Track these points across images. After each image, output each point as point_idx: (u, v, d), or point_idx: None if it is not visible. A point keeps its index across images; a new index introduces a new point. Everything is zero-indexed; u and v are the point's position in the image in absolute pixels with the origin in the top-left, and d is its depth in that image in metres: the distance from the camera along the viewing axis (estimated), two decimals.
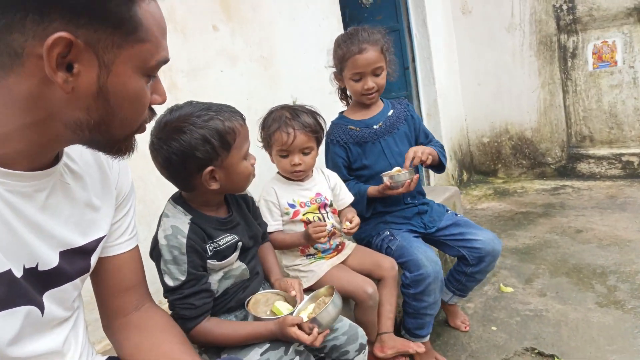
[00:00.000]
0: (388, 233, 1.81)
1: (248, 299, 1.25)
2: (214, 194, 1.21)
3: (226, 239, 1.21)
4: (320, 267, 1.63)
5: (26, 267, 0.71)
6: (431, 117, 3.94)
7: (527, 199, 3.67)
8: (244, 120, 1.19)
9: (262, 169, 1.70)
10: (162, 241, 1.14)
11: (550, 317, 2.00)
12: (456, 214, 1.93)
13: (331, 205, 1.69)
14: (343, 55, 1.73)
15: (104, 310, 0.95)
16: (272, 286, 1.38)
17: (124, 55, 0.65)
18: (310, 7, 2.64)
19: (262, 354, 1.12)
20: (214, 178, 1.15)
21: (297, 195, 1.63)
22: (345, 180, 1.80)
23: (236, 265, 1.25)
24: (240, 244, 1.24)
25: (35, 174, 0.70)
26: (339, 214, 1.73)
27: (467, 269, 1.80)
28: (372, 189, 1.78)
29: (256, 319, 1.19)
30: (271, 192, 1.61)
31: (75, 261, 0.80)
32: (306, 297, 1.30)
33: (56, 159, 0.75)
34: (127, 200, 0.95)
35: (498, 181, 4.32)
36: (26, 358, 0.73)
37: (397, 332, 1.75)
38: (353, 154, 1.85)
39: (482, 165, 4.49)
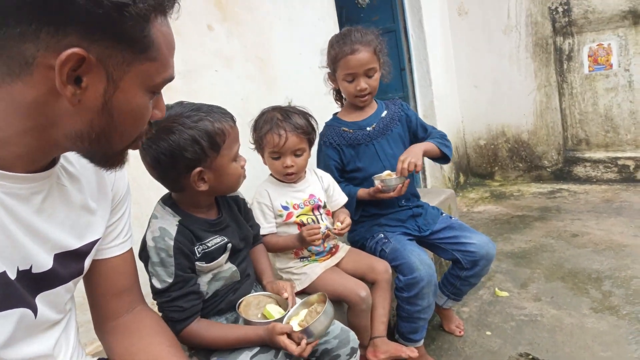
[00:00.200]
0: (382, 236, 1.79)
1: (240, 301, 1.24)
2: (203, 195, 1.19)
3: (215, 241, 1.20)
4: (313, 270, 1.62)
5: (20, 269, 0.70)
6: (427, 119, 3.93)
7: (524, 202, 3.66)
8: (234, 121, 1.18)
9: (255, 171, 1.68)
10: (149, 243, 1.13)
11: (545, 322, 1.99)
12: (450, 217, 1.91)
13: (325, 206, 1.67)
14: (336, 55, 1.72)
15: (96, 312, 0.95)
16: (264, 288, 1.36)
17: (132, 72, 0.66)
18: (306, 8, 2.62)
19: (252, 357, 1.11)
20: (202, 179, 1.14)
21: (290, 197, 1.61)
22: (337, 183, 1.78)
23: (226, 267, 1.23)
24: (229, 245, 1.23)
25: (32, 176, 0.70)
26: (333, 215, 1.72)
27: (462, 272, 1.79)
28: (362, 192, 1.77)
29: (246, 322, 1.17)
30: (264, 195, 1.60)
31: (69, 264, 0.80)
32: (298, 302, 1.28)
33: (53, 161, 0.75)
34: (122, 203, 0.94)
35: (495, 184, 4.32)
36: None
37: (391, 336, 1.74)
38: (346, 156, 1.83)
39: (478, 167, 4.48)
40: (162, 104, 0.78)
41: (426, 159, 1.91)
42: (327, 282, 1.59)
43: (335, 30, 2.81)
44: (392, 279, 1.69)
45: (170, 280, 1.10)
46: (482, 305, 2.21)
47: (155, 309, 1.10)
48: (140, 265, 1.05)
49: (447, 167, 4.11)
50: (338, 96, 1.95)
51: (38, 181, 0.71)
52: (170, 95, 1.78)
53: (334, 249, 1.71)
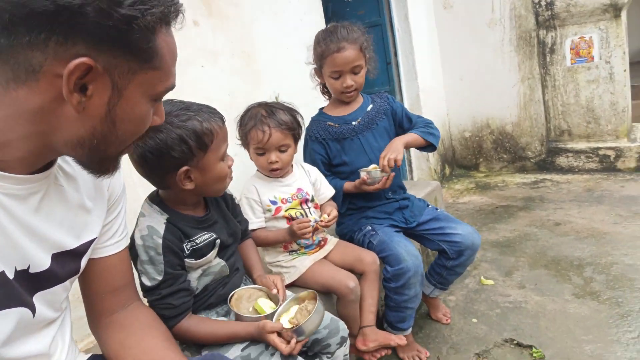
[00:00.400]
0: (370, 228, 1.82)
1: (231, 294, 1.25)
2: (190, 193, 1.19)
3: (203, 237, 1.21)
4: (302, 263, 1.64)
5: (18, 269, 0.71)
6: (413, 112, 3.94)
7: (508, 193, 3.73)
8: (223, 121, 1.18)
9: (244, 167, 1.70)
10: (138, 241, 1.13)
11: (529, 308, 2.04)
12: (436, 209, 1.95)
13: (312, 200, 1.69)
14: (322, 53, 1.73)
15: (90, 309, 0.95)
16: (254, 282, 1.38)
17: (136, 80, 0.67)
18: (292, 2, 2.63)
19: (243, 349, 1.13)
20: (189, 178, 1.14)
21: (278, 192, 1.63)
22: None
23: (215, 263, 1.25)
24: (218, 241, 1.24)
25: (30, 177, 0.71)
26: (321, 208, 1.74)
27: (448, 262, 1.83)
28: (348, 185, 1.79)
29: (237, 316, 1.19)
30: (252, 190, 1.61)
31: (66, 263, 0.80)
32: (289, 298, 1.30)
33: (51, 162, 0.76)
34: (118, 202, 0.95)
35: (479, 175, 4.38)
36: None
37: (380, 325, 1.77)
38: (332, 151, 1.85)
39: (464, 159, 4.54)
40: (162, 110, 0.80)
41: (413, 150, 1.93)
42: (316, 274, 1.61)
43: (321, 24, 2.81)
44: (380, 269, 1.72)
45: (159, 278, 1.11)
46: (468, 293, 2.26)
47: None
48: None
49: (432, 159, 4.16)
50: (325, 89, 1.96)
51: (36, 182, 0.72)
52: None
53: (322, 242, 1.73)
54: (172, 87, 0.75)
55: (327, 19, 2.95)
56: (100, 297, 0.94)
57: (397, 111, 1.92)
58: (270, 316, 1.19)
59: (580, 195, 3.36)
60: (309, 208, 1.67)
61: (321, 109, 1.95)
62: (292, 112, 1.58)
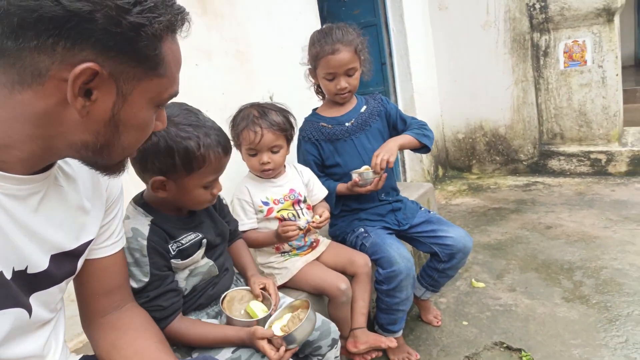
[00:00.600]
0: (362, 230, 1.82)
1: (223, 296, 1.24)
2: (165, 199, 1.18)
3: (189, 238, 1.20)
4: (294, 264, 1.64)
5: (15, 269, 0.71)
6: (407, 114, 3.90)
7: (500, 195, 3.75)
8: (226, 152, 1.14)
9: (237, 166, 1.68)
10: None
11: (519, 312, 2.05)
12: (429, 211, 1.95)
13: (305, 201, 1.69)
14: (317, 54, 1.72)
15: (84, 309, 0.95)
16: (247, 282, 1.37)
17: (141, 87, 0.68)
18: (287, 1, 2.61)
19: (233, 352, 1.13)
20: (163, 187, 1.13)
21: (270, 193, 1.62)
22: None
23: (203, 263, 1.23)
24: (205, 241, 1.22)
25: (30, 178, 0.71)
26: (313, 209, 1.73)
27: (439, 265, 1.83)
28: (341, 186, 1.79)
29: (229, 319, 1.18)
30: (244, 191, 1.60)
31: (63, 264, 0.80)
32: (282, 306, 1.30)
33: (51, 162, 0.76)
34: (116, 204, 0.95)
35: (472, 177, 4.40)
36: None
37: (371, 327, 1.77)
38: (325, 152, 1.85)
39: (457, 161, 4.56)
40: (164, 116, 0.81)
41: (407, 151, 1.94)
42: (307, 275, 1.61)
43: (317, 24, 2.81)
44: (371, 271, 1.72)
45: (146, 280, 1.10)
46: (459, 296, 2.27)
47: None
48: None
49: (426, 161, 4.17)
50: (319, 90, 1.96)
51: (36, 182, 0.72)
52: None
53: (314, 243, 1.73)
54: (175, 94, 0.76)
55: (323, 19, 2.94)
56: (95, 297, 0.94)
57: (391, 113, 1.92)
58: (262, 321, 1.19)
59: (571, 199, 3.39)
60: (301, 209, 1.67)
61: (315, 109, 1.95)
62: (284, 112, 1.57)
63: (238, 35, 2.25)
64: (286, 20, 2.59)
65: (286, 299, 1.40)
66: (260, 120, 1.51)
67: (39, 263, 0.75)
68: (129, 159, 0.80)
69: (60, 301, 0.86)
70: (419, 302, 2.05)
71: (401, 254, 1.66)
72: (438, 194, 3.98)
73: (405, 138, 1.79)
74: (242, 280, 1.41)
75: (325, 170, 1.88)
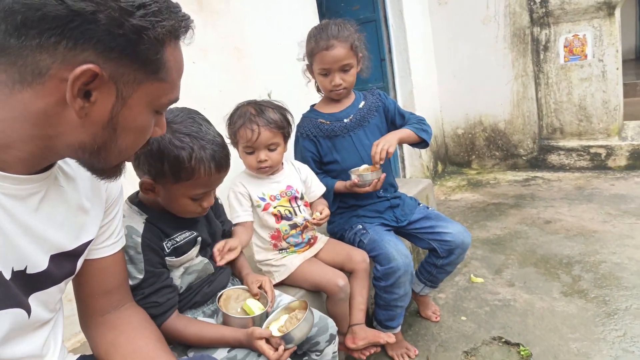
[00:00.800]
0: (360, 227, 1.82)
1: (220, 294, 1.25)
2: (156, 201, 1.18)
3: (184, 235, 1.20)
4: (292, 262, 1.64)
5: (15, 269, 0.71)
6: (407, 109, 3.90)
7: (499, 190, 3.75)
8: (219, 169, 1.12)
9: (233, 164, 1.67)
10: None
11: (517, 306, 2.06)
12: (427, 207, 1.95)
13: (302, 198, 1.69)
14: (312, 50, 1.72)
15: (83, 309, 0.96)
16: (242, 282, 1.37)
17: (141, 90, 0.68)
18: None
19: (229, 351, 1.13)
20: (152, 189, 1.12)
21: (267, 189, 1.62)
22: None
23: (198, 261, 1.24)
24: (199, 239, 1.23)
25: (30, 178, 0.71)
26: (311, 206, 1.74)
27: (438, 261, 1.84)
28: (339, 184, 1.79)
29: (225, 316, 1.18)
30: (240, 186, 1.60)
31: (63, 264, 0.80)
32: (278, 303, 1.30)
33: (51, 163, 0.76)
34: (115, 204, 0.95)
35: (472, 172, 4.40)
36: None
37: (369, 323, 1.78)
38: (323, 148, 1.85)
39: (456, 156, 4.56)
40: (164, 122, 0.81)
41: (406, 147, 1.93)
42: (305, 272, 1.62)
43: (315, 20, 2.79)
44: (369, 268, 1.73)
45: (140, 277, 1.10)
46: (458, 291, 2.28)
47: None
48: None
49: (425, 156, 4.16)
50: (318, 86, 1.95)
51: (36, 182, 0.72)
52: None
53: (312, 240, 1.73)
54: (175, 100, 0.76)
55: (321, 15, 2.93)
56: (94, 297, 0.94)
57: (389, 108, 1.91)
58: (258, 318, 1.19)
59: (570, 193, 3.39)
60: (298, 206, 1.67)
61: (312, 105, 1.95)
62: (281, 110, 1.57)
63: (235, 32, 2.25)
64: (284, 16, 2.58)
65: (283, 297, 1.41)
66: (257, 118, 1.50)
67: (39, 263, 0.75)
68: (125, 163, 0.79)
69: (59, 301, 0.87)
70: (417, 297, 2.05)
71: (399, 250, 1.67)
72: (437, 190, 3.99)
73: (405, 132, 1.79)
74: (237, 280, 1.41)
75: (323, 167, 1.88)
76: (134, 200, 1.19)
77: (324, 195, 1.78)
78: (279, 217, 1.61)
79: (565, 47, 3.77)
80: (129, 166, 1.11)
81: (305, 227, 1.67)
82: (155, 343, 0.95)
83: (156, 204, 1.18)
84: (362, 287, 1.70)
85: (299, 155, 1.87)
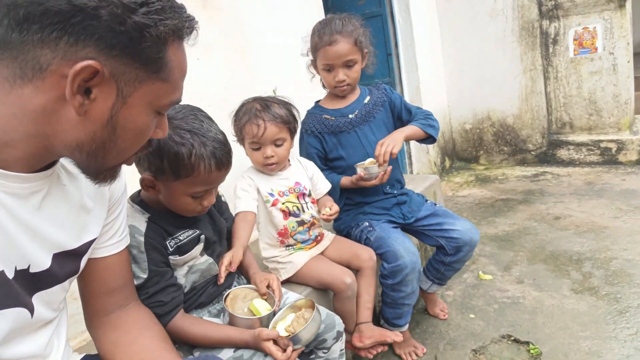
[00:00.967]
0: (367, 224, 1.80)
1: (226, 294, 1.24)
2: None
3: (187, 234, 1.18)
4: (298, 259, 1.63)
5: (17, 268, 0.71)
6: (414, 104, 3.91)
7: (508, 186, 3.71)
8: (220, 167, 1.09)
9: (239, 162, 1.65)
10: None
11: (526, 304, 2.03)
12: (435, 204, 1.93)
13: (310, 194, 1.68)
14: (315, 45, 1.70)
15: (88, 308, 0.95)
16: (249, 281, 1.36)
17: (142, 90, 0.67)
18: None
19: (235, 351, 1.12)
20: (153, 186, 1.11)
21: (276, 185, 1.60)
22: None
23: (202, 259, 1.22)
24: (203, 237, 1.21)
25: (32, 176, 0.70)
26: (317, 202, 1.72)
27: (446, 258, 1.81)
28: (345, 180, 1.77)
29: (231, 316, 1.17)
30: (248, 179, 1.58)
31: (66, 263, 0.80)
32: (285, 302, 1.28)
33: (53, 161, 0.76)
34: (118, 203, 0.95)
35: (480, 168, 4.36)
36: None
37: (376, 321, 1.77)
38: (328, 145, 1.83)
39: (464, 152, 4.52)
40: (165, 124, 0.80)
41: (413, 142, 1.90)
42: (312, 270, 1.60)
43: (320, 15, 2.77)
44: (376, 265, 1.71)
45: (144, 276, 1.09)
46: (466, 288, 2.25)
47: None
48: None
49: (432, 152, 4.13)
50: None
51: (38, 180, 0.71)
52: None
53: (319, 237, 1.72)
54: (177, 102, 0.76)
55: (327, 10, 2.90)
56: (98, 297, 0.94)
57: (395, 103, 1.89)
58: (265, 318, 1.18)
59: (580, 189, 3.34)
60: (306, 203, 1.65)
61: (317, 101, 1.93)
62: (287, 105, 1.55)
63: (239, 28, 2.23)
64: (289, 11, 2.56)
65: (290, 295, 1.39)
66: (262, 113, 1.49)
67: (41, 262, 0.74)
68: (123, 167, 0.78)
69: (63, 300, 0.86)
70: (425, 295, 2.03)
71: (406, 247, 1.65)
72: (445, 186, 3.95)
73: (411, 129, 1.76)
74: (244, 279, 1.40)
75: (328, 163, 1.86)
76: (136, 199, 1.18)
77: (330, 193, 1.76)
78: (287, 214, 1.59)
79: (574, 40, 3.71)
80: (131, 167, 1.11)
81: (313, 224, 1.65)
82: (160, 342, 0.95)
83: (158, 202, 1.17)
84: (369, 285, 1.69)
85: (304, 152, 1.85)
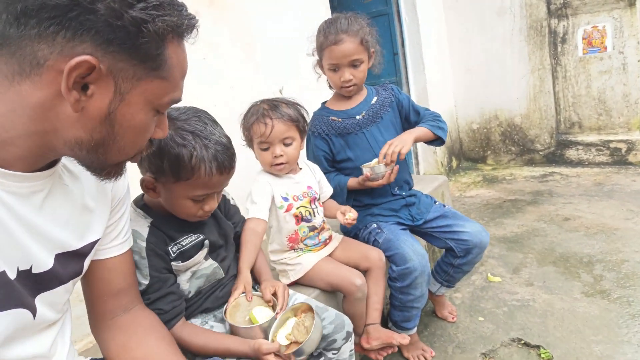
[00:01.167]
0: (375, 226, 1.78)
1: (228, 303, 1.21)
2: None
3: (190, 239, 1.16)
4: (307, 260, 1.61)
5: (20, 269, 0.70)
6: (420, 104, 3.82)
7: (516, 186, 3.67)
8: (221, 170, 1.07)
9: (247, 163, 1.62)
10: None
11: (536, 307, 2.00)
12: (444, 206, 1.90)
13: (319, 199, 1.66)
14: (321, 44, 1.68)
15: (92, 311, 0.95)
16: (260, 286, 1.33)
17: (141, 87, 0.67)
18: None
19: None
20: (153, 188, 1.09)
21: (290, 189, 1.57)
22: (326, 173, 1.76)
23: (207, 264, 1.20)
24: (207, 242, 1.19)
25: (33, 175, 0.70)
26: (324, 206, 1.70)
27: (455, 260, 1.79)
28: (352, 181, 1.75)
29: (231, 326, 1.16)
30: (266, 185, 1.55)
31: (69, 264, 0.79)
32: (288, 307, 1.27)
33: (55, 160, 0.75)
34: (122, 204, 0.94)
35: (487, 168, 4.32)
36: None
37: (385, 324, 1.74)
38: (336, 146, 1.80)
39: (471, 152, 4.48)
40: (165, 124, 0.79)
41: (420, 143, 1.87)
42: (322, 272, 1.58)
43: (327, 14, 2.75)
44: (385, 266, 1.69)
45: (146, 282, 1.07)
46: (475, 291, 2.23)
47: None
48: None
49: (440, 152, 4.10)
50: None
51: (39, 180, 0.71)
52: None
53: (328, 240, 1.70)
54: (177, 101, 0.74)
55: (333, 9, 2.89)
56: (102, 299, 0.93)
57: (403, 103, 1.86)
58: (264, 325, 1.16)
59: (590, 190, 3.30)
60: (316, 207, 1.63)
61: (324, 102, 1.90)
62: (295, 105, 1.53)
63: (245, 27, 2.22)
64: (295, 10, 2.54)
65: (298, 296, 1.37)
66: (270, 112, 1.47)
67: (44, 262, 0.73)
68: (127, 164, 0.77)
69: (67, 302, 0.85)
70: (433, 297, 2.01)
71: (415, 250, 1.62)
72: (452, 186, 3.92)
73: (421, 130, 1.74)
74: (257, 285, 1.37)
75: (335, 165, 1.84)
76: (139, 203, 1.17)
77: (337, 194, 1.74)
78: (300, 219, 1.57)
79: (583, 39, 3.67)
80: (134, 168, 1.10)
81: (322, 228, 1.63)
82: (167, 346, 0.94)
83: (161, 206, 1.15)
84: (378, 287, 1.66)
85: (311, 155, 1.83)
